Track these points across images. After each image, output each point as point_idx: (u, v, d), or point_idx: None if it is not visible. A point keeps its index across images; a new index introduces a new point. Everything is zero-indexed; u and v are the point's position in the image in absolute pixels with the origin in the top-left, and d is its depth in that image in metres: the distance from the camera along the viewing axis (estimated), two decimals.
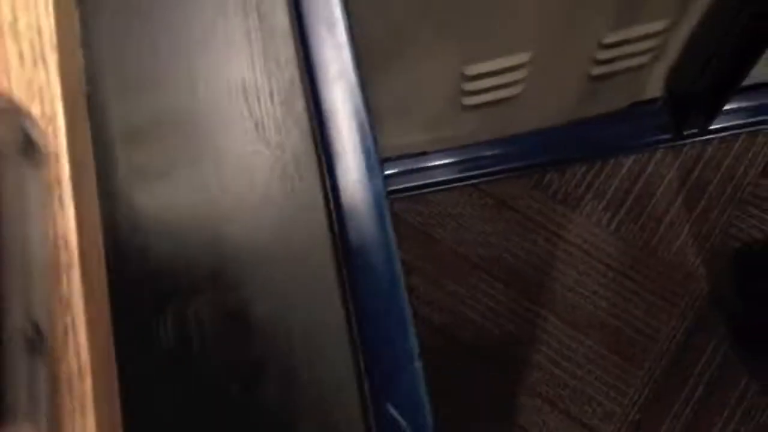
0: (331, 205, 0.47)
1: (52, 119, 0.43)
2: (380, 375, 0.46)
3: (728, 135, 1.39)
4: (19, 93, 0.43)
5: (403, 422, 0.45)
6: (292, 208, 0.47)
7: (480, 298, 1.37)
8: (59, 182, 0.42)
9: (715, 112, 1.31)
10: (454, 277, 1.38)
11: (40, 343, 0.40)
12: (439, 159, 1.37)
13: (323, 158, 0.48)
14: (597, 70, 1.20)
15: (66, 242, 0.42)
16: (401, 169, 1.36)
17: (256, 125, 0.48)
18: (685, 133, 1.36)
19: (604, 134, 1.38)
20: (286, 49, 0.49)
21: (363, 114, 0.49)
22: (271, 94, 0.48)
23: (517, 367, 1.35)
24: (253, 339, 0.45)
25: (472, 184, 1.40)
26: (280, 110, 0.47)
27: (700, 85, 1.27)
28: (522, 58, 1.13)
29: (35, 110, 0.43)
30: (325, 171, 0.48)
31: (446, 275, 1.39)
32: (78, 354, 0.41)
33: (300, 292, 0.46)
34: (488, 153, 1.37)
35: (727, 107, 1.31)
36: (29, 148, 0.42)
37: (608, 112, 1.35)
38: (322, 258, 0.47)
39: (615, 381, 1.33)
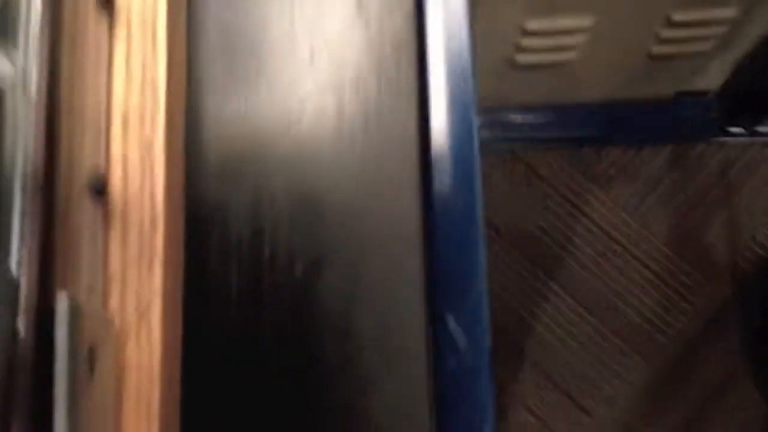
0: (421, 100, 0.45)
1: None
2: (446, 287, 0.44)
3: None
4: None
5: (462, 338, 0.43)
6: (383, 93, 0.44)
7: (493, 263, 1.35)
8: (154, 20, 0.40)
9: (763, 114, 1.29)
10: None
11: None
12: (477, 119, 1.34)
13: (420, 47, 0.45)
14: (657, 49, 1.17)
15: (154, 85, 0.39)
16: None
17: (359, 2, 0.45)
18: (729, 130, 1.34)
19: (648, 119, 1.36)
20: None
21: (462, 16, 0.47)
22: None
23: (522, 338, 1.33)
24: (324, 225, 0.43)
25: (506, 149, 1.38)
26: None
27: (754, 84, 1.24)
28: (585, 21, 1.10)
29: None
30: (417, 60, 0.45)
31: None
32: (153, 202, 0.38)
33: (380, 185, 0.44)
34: (527, 119, 1.34)
35: None
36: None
37: (656, 97, 1.33)
38: (406, 152, 0.44)
39: (617, 367, 1.31)
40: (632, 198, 1.37)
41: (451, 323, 0.43)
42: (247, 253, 0.42)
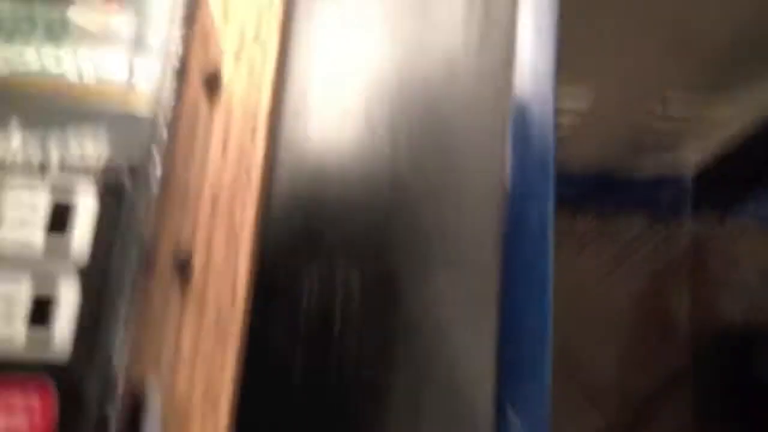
0: None
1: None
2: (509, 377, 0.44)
3: (743, 223, 1.41)
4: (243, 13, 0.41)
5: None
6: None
7: None
8: (255, 115, 0.40)
9: (737, 199, 1.33)
10: None
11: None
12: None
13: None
14: (646, 128, 1.21)
15: (248, 171, 0.40)
16: None
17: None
18: (702, 210, 1.38)
19: (627, 190, 1.39)
20: None
21: None
22: None
23: None
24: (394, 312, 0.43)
25: None
26: None
27: (728, 172, 1.29)
28: (581, 103, 1.12)
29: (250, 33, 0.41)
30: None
31: None
32: (234, 288, 0.39)
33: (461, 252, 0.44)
34: None
35: (750, 199, 1.34)
36: (214, 84, 0.40)
37: (637, 170, 1.36)
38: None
39: (574, 417, 1.34)
40: (603, 263, 1.40)
41: (510, 414, 0.44)
42: (316, 336, 0.42)
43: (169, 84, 0.35)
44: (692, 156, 1.33)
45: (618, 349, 1.38)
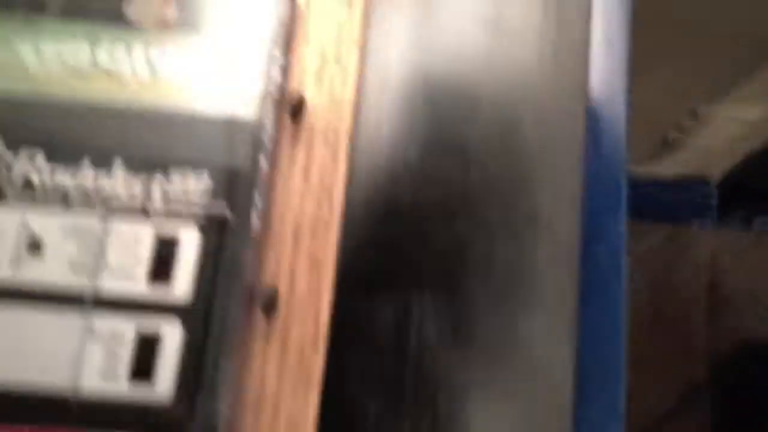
0: None
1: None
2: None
3: (766, 233, 1.40)
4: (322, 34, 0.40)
5: None
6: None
7: None
8: (337, 140, 0.39)
9: (758, 209, 1.32)
10: None
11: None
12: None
13: None
14: (673, 135, 1.20)
15: (330, 199, 0.39)
16: None
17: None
18: (725, 219, 1.37)
19: (646, 196, 1.38)
20: None
21: None
22: None
23: None
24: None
25: None
26: None
27: (755, 180, 1.28)
28: None
29: (330, 54, 0.40)
30: None
31: None
32: (317, 323, 0.38)
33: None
34: None
35: None
36: (298, 108, 0.39)
37: (659, 176, 1.35)
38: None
39: None
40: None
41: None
42: (390, 370, 0.41)
43: (266, 112, 0.34)
44: (717, 163, 1.32)
45: (632, 367, 1.36)
